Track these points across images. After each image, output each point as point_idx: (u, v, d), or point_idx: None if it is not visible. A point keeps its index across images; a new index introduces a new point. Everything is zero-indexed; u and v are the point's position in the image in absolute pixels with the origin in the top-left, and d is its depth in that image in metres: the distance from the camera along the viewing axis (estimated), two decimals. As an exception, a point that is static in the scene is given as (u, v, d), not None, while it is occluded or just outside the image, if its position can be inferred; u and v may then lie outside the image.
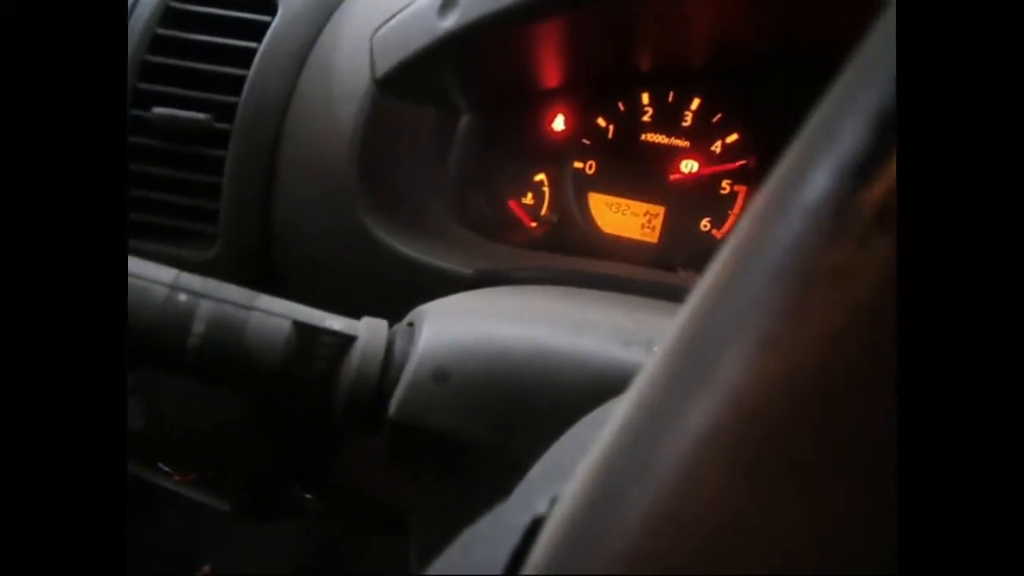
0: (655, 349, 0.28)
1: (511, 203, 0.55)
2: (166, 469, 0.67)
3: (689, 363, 0.08)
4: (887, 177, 0.07)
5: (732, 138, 0.53)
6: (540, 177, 0.55)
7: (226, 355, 0.27)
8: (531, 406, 0.27)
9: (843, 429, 0.07)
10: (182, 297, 0.27)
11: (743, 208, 0.54)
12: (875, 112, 0.07)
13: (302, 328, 0.28)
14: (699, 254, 0.54)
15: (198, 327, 0.27)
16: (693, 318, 0.09)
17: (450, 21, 0.38)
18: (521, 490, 0.19)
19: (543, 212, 0.55)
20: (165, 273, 0.28)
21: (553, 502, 0.16)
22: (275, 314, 0.28)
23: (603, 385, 0.26)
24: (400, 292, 0.43)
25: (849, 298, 0.07)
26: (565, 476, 0.18)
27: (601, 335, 0.28)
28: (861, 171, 0.07)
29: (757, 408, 0.07)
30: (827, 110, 0.08)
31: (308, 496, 0.71)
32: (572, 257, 0.51)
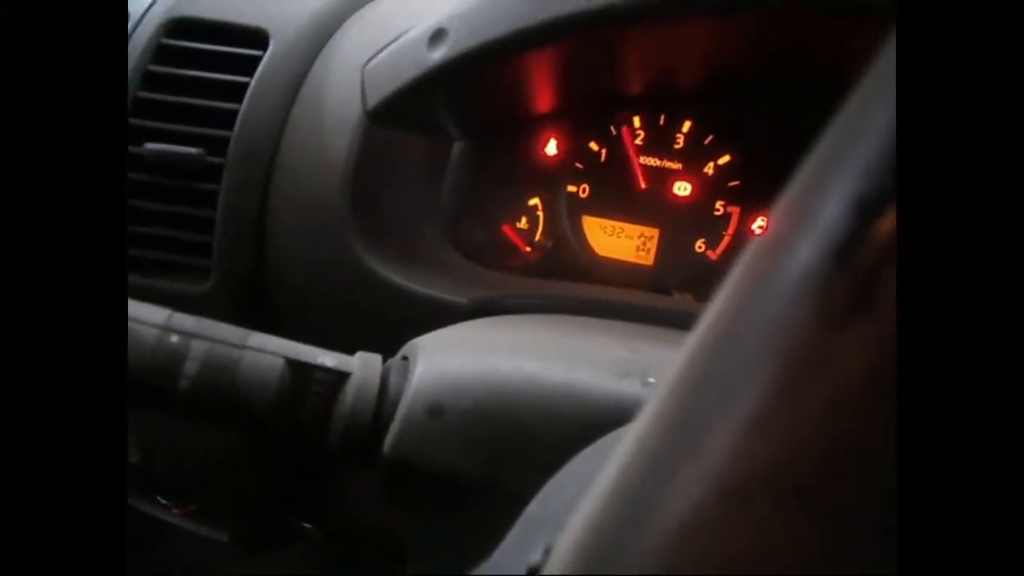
0: (650, 380, 0.28)
1: (505, 228, 0.55)
2: (163, 502, 0.67)
3: (675, 437, 0.08)
4: (865, 260, 0.07)
5: (724, 159, 0.53)
6: (534, 202, 0.55)
7: (218, 395, 0.27)
8: (527, 440, 0.27)
9: (832, 519, 0.07)
10: (174, 339, 0.27)
11: (737, 229, 0.54)
12: (854, 194, 0.07)
13: (295, 365, 0.28)
14: (694, 276, 0.54)
15: (190, 368, 0.27)
16: (679, 388, 0.09)
17: (440, 53, 0.39)
18: (516, 535, 0.19)
19: (537, 237, 0.55)
20: (157, 314, 0.28)
21: (547, 552, 0.16)
22: (268, 352, 0.28)
23: (599, 418, 0.26)
24: (395, 323, 0.43)
25: (834, 383, 0.07)
26: (560, 522, 0.18)
27: (596, 366, 0.28)
28: (840, 254, 0.07)
29: (743, 492, 0.07)
30: (808, 181, 0.08)
31: (306, 525, 0.71)
32: (567, 282, 0.51)
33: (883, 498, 0.07)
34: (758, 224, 0.53)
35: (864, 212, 0.07)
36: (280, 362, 0.28)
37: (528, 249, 0.55)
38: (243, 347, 0.28)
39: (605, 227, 0.55)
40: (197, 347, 0.27)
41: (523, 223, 0.55)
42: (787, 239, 0.08)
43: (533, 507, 0.20)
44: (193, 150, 0.44)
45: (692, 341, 0.09)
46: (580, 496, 0.13)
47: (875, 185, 0.07)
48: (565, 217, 0.55)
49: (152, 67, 0.45)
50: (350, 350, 0.30)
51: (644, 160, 0.54)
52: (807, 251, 0.07)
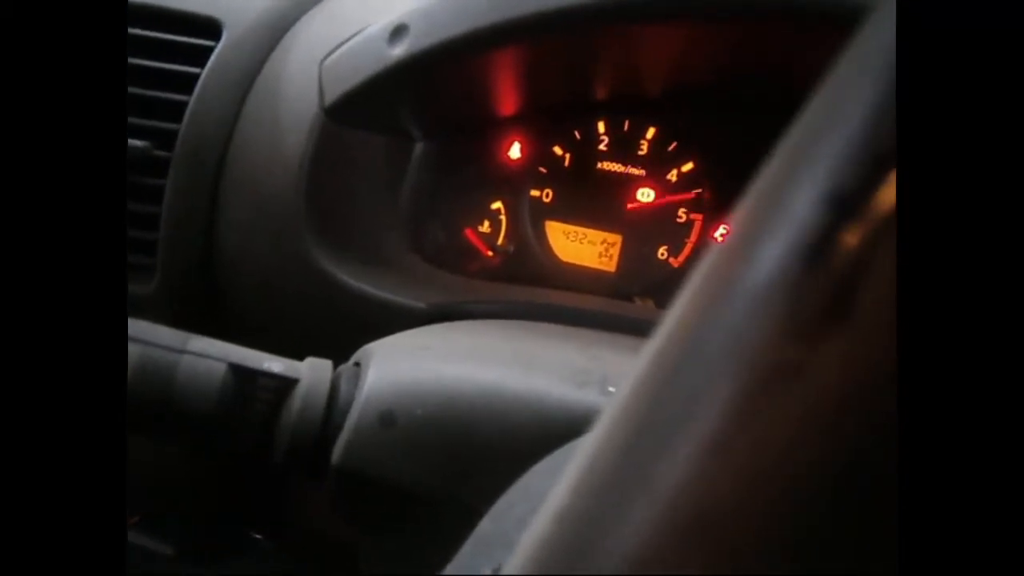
0: (610, 389, 0.27)
1: (468, 232, 0.55)
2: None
3: (627, 460, 0.07)
4: (840, 261, 0.06)
5: (687, 167, 0.53)
6: (497, 205, 0.55)
7: (154, 403, 0.25)
8: (482, 451, 0.26)
9: (799, 553, 0.06)
10: (104, 341, 0.25)
11: (699, 237, 0.54)
12: (827, 188, 0.06)
13: (238, 371, 0.27)
14: (656, 283, 0.53)
15: (122, 374, 0.25)
16: (633, 404, 0.08)
17: (400, 49, 0.38)
18: (466, 553, 0.18)
19: (500, 241, 0.55)
20: None
21: (497, 572, 0.15)
22: (209, 357, 0.27)
23: (556, 428, 0.25)
24: (351, 327, 0.41)
25: (803, 401, 0.06)
26: (511, 542, 0.17)
27: (554, 375, 0.27)
28: (812, 255, 0.06)
29: (701, 522, 0.06)
30: (776, 174, 0.07)
31: (257, 536, 0.68)
32: (529, 287, 0.50)
33: (857, 531, 0.06)
34: (721, 232, 0.53)
35: (838, 207, 0.06)
36: (222, 367, 0.27)
37: (490, 253, 0.55)
38: (182, 351, 0.27)
39: (568, 232, 0.54)
40: (130, 351, 0.26)
41: (485, 227, 0.55)
42: (752, 238, 0.07)
43: (484, 524, 0.19)
44: (139, 143, 0.42)
45: (648, 352, 0.08)
46: (532, 514, 0.12)
47: (848, 180, 0.06)
48: (528, 222, 0.54)
49: (96, 55, 0.43)
50: (303, 356, 0.29)
51: (608, 166, 0.54)
52: (775, 251, 0.07)
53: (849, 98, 0.07)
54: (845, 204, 0.06)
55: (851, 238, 0.06)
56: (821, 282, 0.06)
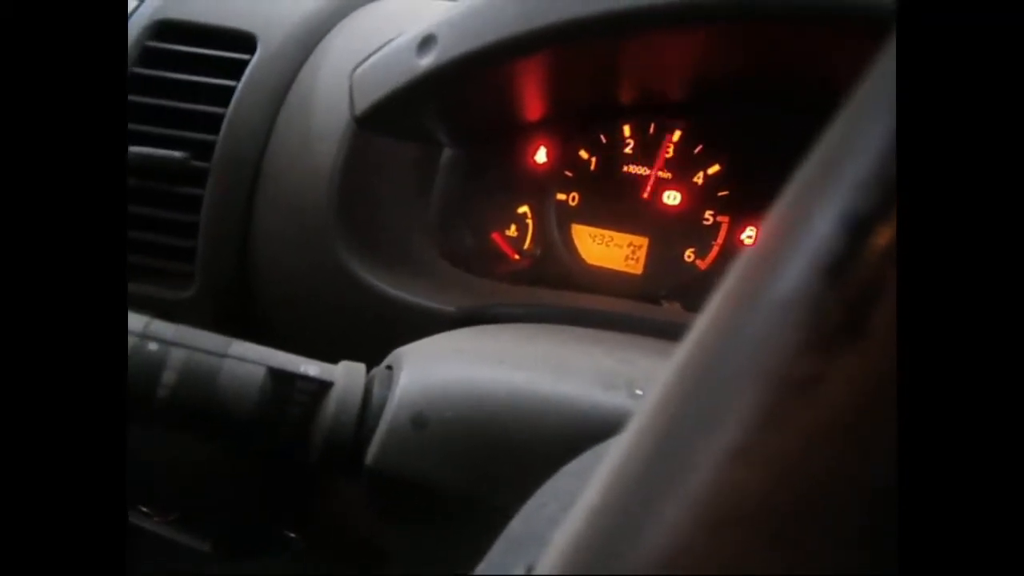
0: (637, 392, 0.28)
1: (495, 236, 0.55)
2: (144, 510, 0.65)
3: (658, 463, 0.08)
4: (857, 281, 0.07)
5: (714, 169, 0.53)
6: (523, 209, 0.55)
7: (197, 405, 0.27)
8: (511, 453, 0.26)
9: (818, 553, 0.07)
10: (152, 347, 0.27)
11: (726, 238, 0.54)
12: (847, 209, 0.07)
13: (277, 375, 0.28)
14: (684, 285, 0.53)
15: (168, 377, 0.26)
16: (664, 409, 0.08)
17: (428, 60, 0.38)
18: (497, 552, 0.18)
19: (527, 245, 0.55)
20: (135, 321, 0.27)
21: (529, 571, 0.15)
22: (249, 361, 0.28)
23: (584, 430, 0.26)
24: (382, 331, 0.42)
25: (819, 412, 0.06)
26: (542, 540, 0.18)
27: (582, 378, 0.28)
28: (830, 273, 0.07)
29: (728, 523, 0.07)
30: (799, 194, 0.08)
31: (290, 534, 0.70)
32: (556, 291, 0.51)
33: (871, 533, 0.06)
34: (747, 234, 0.53)
35: (857, 229, 0.07)
36: (261, 371, 0.28)
37: (517, 257, 0.55)
38: (223, 356, 0.28)
39: (594, 235, 0.55)
40: (176, 355, 0.27)
41: (512, 231, 0.55)
42: (776, 255, 0.07)
43: (515, 524, 0.20)
44: (178, 154, 0.44)
45: (677, 359, 0.09)
46: (562, 513, 0.13)
47: (869, 200, 0.07)
48: (555, 225, 0.55)
49: (137, 70, 0.45)
50: (336, 359, 0.30)
51: (634, 169, 0.54)
52: (796, 268, 0.07)
53: (872, 119, 0.08)
54: (863, 225, 0.07)
55: (868, 258, 0.07)
56: (839, 299, 0.07)
